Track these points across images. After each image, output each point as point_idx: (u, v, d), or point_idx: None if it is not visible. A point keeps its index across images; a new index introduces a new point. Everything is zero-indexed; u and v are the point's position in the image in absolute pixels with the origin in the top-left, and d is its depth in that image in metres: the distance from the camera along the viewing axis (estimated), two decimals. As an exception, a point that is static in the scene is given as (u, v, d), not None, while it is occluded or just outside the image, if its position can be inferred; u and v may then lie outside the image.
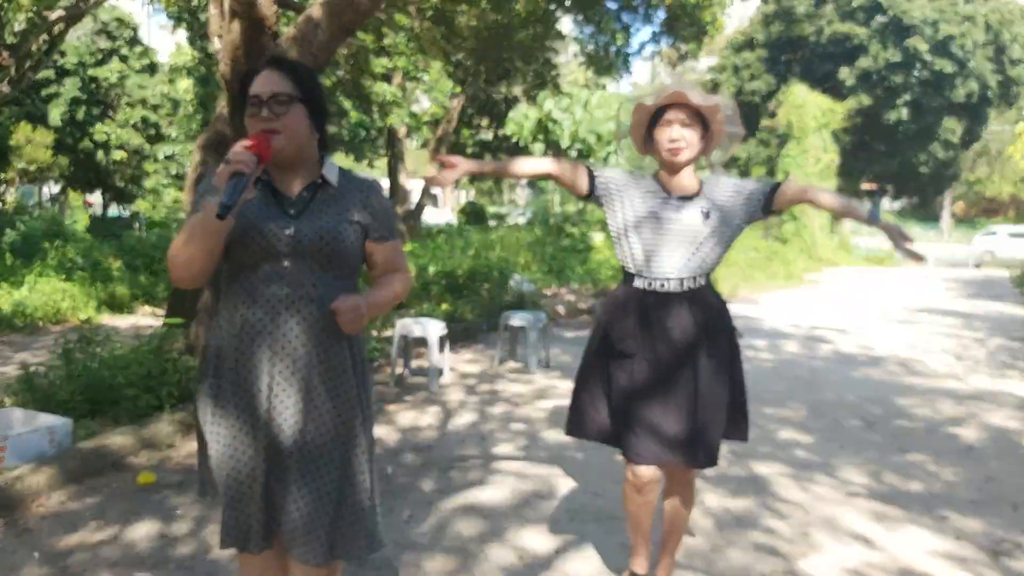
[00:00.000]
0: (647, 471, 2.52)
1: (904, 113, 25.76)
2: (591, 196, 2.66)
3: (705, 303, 2.55)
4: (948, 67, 24.80)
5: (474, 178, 27.80)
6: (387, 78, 14.32)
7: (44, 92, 23.19)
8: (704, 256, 2.53)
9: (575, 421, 2.69)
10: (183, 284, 1.89)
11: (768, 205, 2.54)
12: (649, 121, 2.57)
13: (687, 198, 2.54)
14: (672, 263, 2.51)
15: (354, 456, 1.95)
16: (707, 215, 2.51)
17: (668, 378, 2.50)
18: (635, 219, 2.56)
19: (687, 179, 2.58)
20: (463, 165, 2.50)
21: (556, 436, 4.73)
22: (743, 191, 2.57)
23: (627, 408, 2.52)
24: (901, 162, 27.50)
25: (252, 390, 1.89)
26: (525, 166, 2.74)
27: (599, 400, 2.62)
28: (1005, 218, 44.74)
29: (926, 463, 4.40)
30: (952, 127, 26.55)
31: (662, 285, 2.52)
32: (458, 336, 8.07)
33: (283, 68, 1.89)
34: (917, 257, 2.41)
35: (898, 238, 2.40)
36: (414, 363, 6.54)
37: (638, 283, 2.56)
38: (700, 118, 2.51)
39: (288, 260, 1.86)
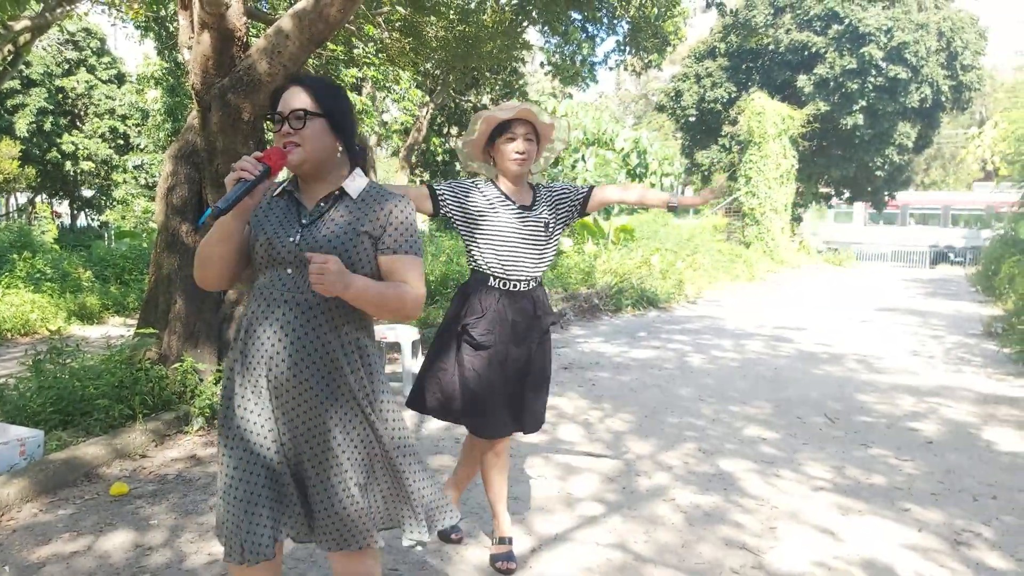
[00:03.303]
0: (503, 442, 3.00)
1: (860, 118, 26.30)
2: (438, 213, 2.94)
3: (541, 299, 2.97)
4: (902, 73, 25.40)
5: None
6: (357, 88, 14.33)
7: (10, 103, 22.82)
8: (544, 259, 2.95)
9: (417, 397, 2.99)
10: (203, 285, 1.97)
11: (583, 209, 3.02)
12: (490, 134, 2.91)
13: (529, 207, 2.92)
14: (522, 266, 2.89)
15: (364, 452, 1.98)
16: (547, 226, 2.92)
17: (514, 365, 2.90)
18: (486, 226, 2.87)
19: (525, 188, 2.96)
20: None
21: (529, 438, 4.79)
22: (565, 198, 3.01)
23: (481, 392, 2.85)
24: (857, 166, 28.07)
25: (255, 400, 1.94)
26: None
27: (446, 381, 2.92)
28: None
29: (887, 457, 4.54)
30: (906, 131, 27.17)
31: (515, 286, 2.90)
32: (431, 341, 8.10)
33: (304, 84, 1.96)
34: (722, 192, 3.05)
35: (706, 197, 3.06)
36: (387, 368, 6.55)
37: (492, 283, 2.90)
38: (536, 135, 2.90)
39: (291, 268, 1.91)
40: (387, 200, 1.99)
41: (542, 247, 2.91)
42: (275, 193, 2.04)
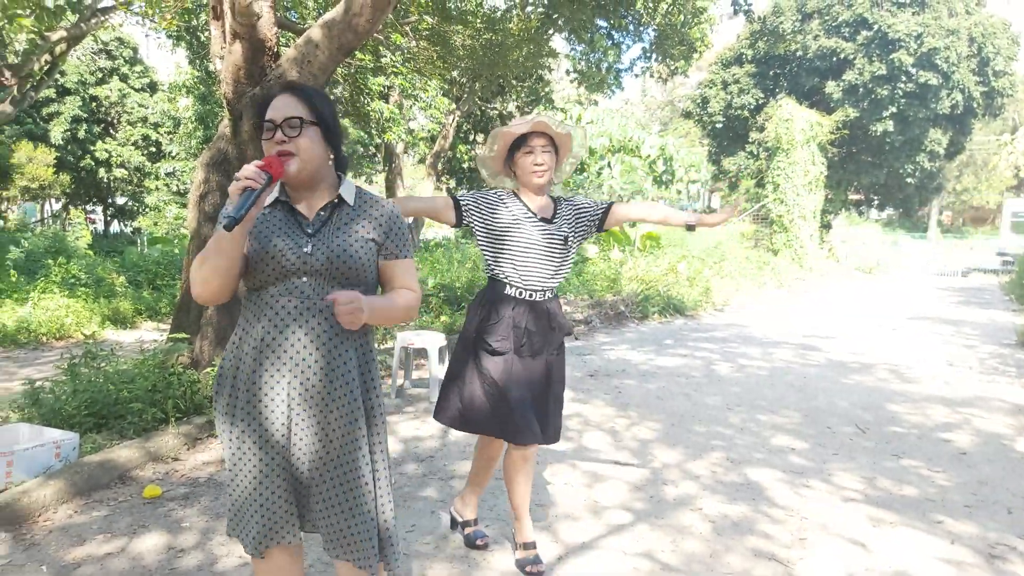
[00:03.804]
0: (532, 448, 2.99)
1: (890, 125, 26.03)
2: (461, 223, 3.00)
3: (556, 310, 3.00)
4: (933, 79, 25.11)
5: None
6: (384, 96, 14.46)
7: (45, 111, 23.33)
8: (562, 271, 3.00)
9: (441, 409, 3.07)
10: (202, 301, 1.95)
11: (601, 225, 3.07)
12: (509, 149, 2.97)
13: (549, 220, 2.97)
14: (540, 277, 2.93)
15: (375, 460, 2.03)
16: (566, 240, 2.95)
17: (531, 375, 2.93)
18: (507, 237, 2.92)
19: (545, 199, 3.01)
20: None
21: (556, 445, 4.79)
22: (584, 213, 3.05)
23: (505, 398, 2.89)
24: (888, 173, 27.78)
25: (270, 405, 1.95)
26: (410, 204, 3.06)
27: (466, 392, 2.96)
28: (992, 227, 45.15)
29: (919, 468, 4.48)
30: (937, 138, 26.84)
31: (531, 296, 2.94)
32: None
33: (296, 92, 1.96)
34: (739, 210, 3.14)
35: (726, 215, 3.09)
36: (415, 374, 6.60)
37: (509, 291, 2.94)
38: (554, 146, 2.91)
39: (305, 277, 1.92)
40: (383, 206, 2.06)
41: (560, 260, 2.97)
42: (266, 204, 2.02)
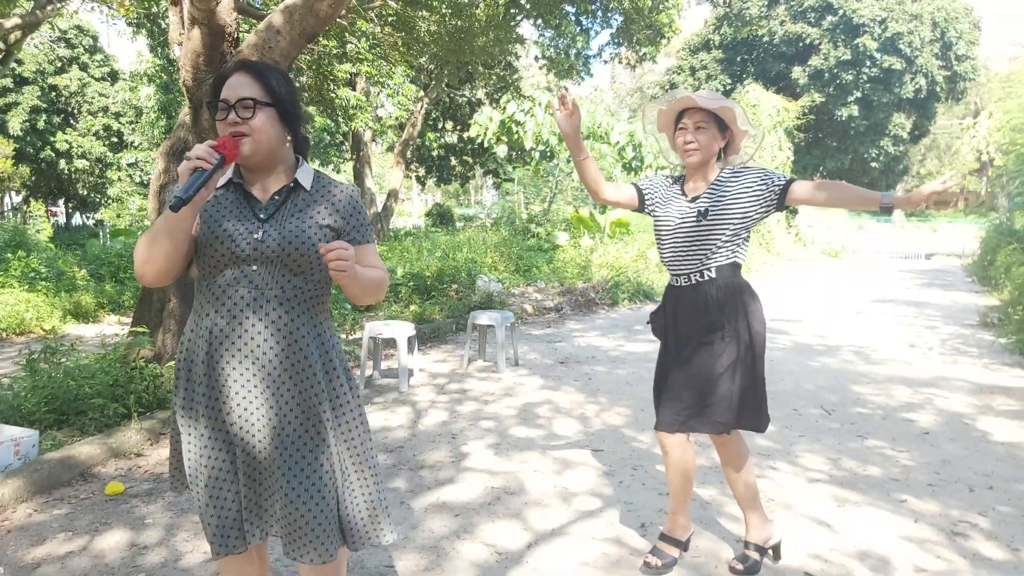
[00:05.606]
0: (666, 436, 2.85)
1: (855, 110, 26.41)
2: (644, 208, 2.94)
3: (714, 296, 2.77)
4: (897, 64, 25.48)
5: (443, 178, 27.52)
6: (351, 83, 14.31)
7: (3, 101, 22.81)
8: (707, 251, 2.75)
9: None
10: (147, 282, 1.88)
11: (781, 201, 2.72)
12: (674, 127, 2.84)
13: (695, 199, 2.79)
14: (681, 260, 2.81)
15: (337, 453, 1.93)
16: (703, 213, 2.73)
17: (678, 361, 2.82)
18: (660, 222, 2.87)
19: (703, 179, 2.83)
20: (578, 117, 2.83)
21: (525, 432, 4.80)
22: (752, 185, 2.73)
23: (656, 384, 2.95)
24: (853, 157, 28.22)
25: (223, 395, 1.88)
26: (596, 179, 2.92)
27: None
28: (955, 210, 45.95)
29: (883, 448, 4.54)
30: (901, 122, 27.28)
31: (676, 280, 2.87)
32: (427, 337, 8.11)
33: (251, 71, 1.87)
34: (953, 190, 2.61)
35: (928, 198, 2.54)
36: (384, 364, 6.56)
37: (671, 280, 2.91)
38: (716, 120, 2.76)
39: (255, 264, 1.85)
40: (342, 191, 1.97)
41: (701, 239, 2.73)
42: (218, 185, 1.93)
